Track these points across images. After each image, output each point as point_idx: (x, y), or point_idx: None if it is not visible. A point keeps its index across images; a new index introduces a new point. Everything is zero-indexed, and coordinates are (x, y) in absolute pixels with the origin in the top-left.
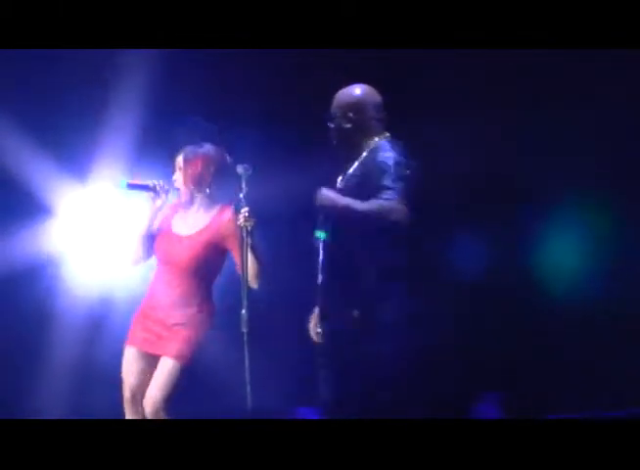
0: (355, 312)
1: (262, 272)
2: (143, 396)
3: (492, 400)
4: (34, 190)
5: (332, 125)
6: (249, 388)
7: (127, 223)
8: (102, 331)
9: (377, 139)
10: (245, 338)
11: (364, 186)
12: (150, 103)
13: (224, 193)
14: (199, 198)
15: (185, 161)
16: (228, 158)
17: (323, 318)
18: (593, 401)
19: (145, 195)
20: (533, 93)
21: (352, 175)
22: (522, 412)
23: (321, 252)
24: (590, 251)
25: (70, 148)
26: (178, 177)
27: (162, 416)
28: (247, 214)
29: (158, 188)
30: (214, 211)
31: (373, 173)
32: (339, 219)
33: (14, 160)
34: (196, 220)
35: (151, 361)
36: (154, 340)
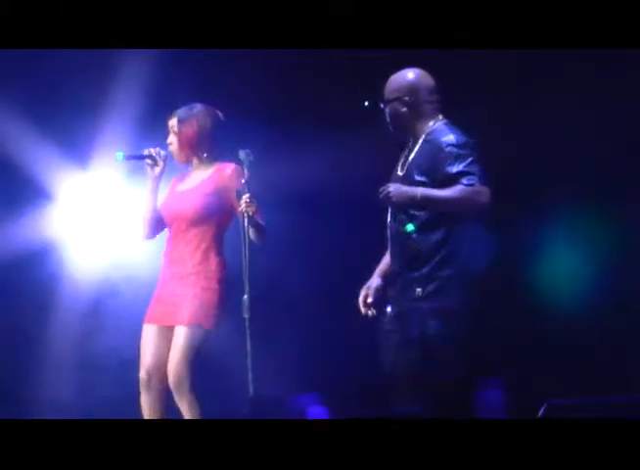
0: (418, 290)
1: (265, 233)
2: (159, 378)
3: (496, 386)
4: (35, 176)
5: (387, 110)
6: (250, 374)
7: (128, 208)
8: (104, 316)
9: (432, 123)
10: (246, 324)
11: (431, 173)
12: (150, 90)
13: (222, 154)
14: (196, 160)
15: (179, 122)
16: (221, 116)
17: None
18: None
19: (143, 166)
20: (533, 93)
21: (414, 162)
22: (524, 398)
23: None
24: (589, 250)
25: (71, 134)
26: (173, 140)
27: (184, 388)
28: (248, 200)
29: (154, 154)
30: (214, 167)
31: (438, 159)
32: (420, 210)
33: (14, 146)
34: (196, 176)
35: (169, 336)
36: (169, 311)
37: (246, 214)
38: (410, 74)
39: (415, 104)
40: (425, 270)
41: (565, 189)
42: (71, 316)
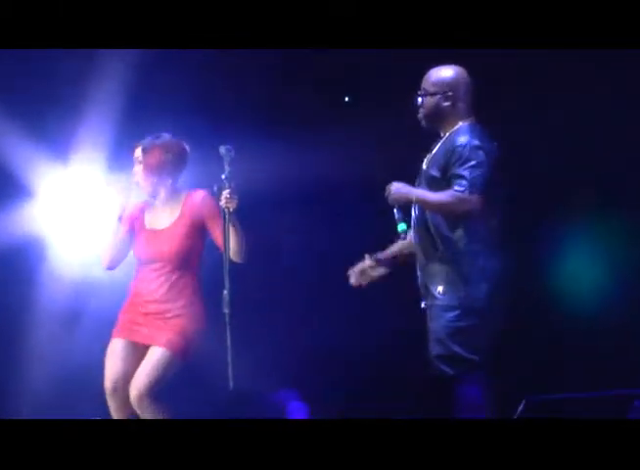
0: (440, 288)
1: (245, 246)
2: (125, 387)
3: (476, 382)
4: (15, 172)
5: (424, 102)
6: (230, 369)
7: (108, 205)
8: (84, 316)
9: (461, 122)
10: (226, 319)
11: (443, 169)
12: (131, 87)
13: (188, 183)
14: (162, 190)
15: (143, 152)
16: (187, 147)
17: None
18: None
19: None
20: (544, 93)
21: (434, 158)
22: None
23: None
24: (603, 254)
25: (51, 130)
26: (138, 170)
27: (146, 403)
28: (228, 196)
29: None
30: (182, 198)
31: (449, 157)
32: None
33: None
34: (167, 213)
35: (139, 352)
36: (144, 331)
37: (227, 210)
38: (452, 71)
39: (456, 100)
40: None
41: (581, 192)
42: (51, 314)
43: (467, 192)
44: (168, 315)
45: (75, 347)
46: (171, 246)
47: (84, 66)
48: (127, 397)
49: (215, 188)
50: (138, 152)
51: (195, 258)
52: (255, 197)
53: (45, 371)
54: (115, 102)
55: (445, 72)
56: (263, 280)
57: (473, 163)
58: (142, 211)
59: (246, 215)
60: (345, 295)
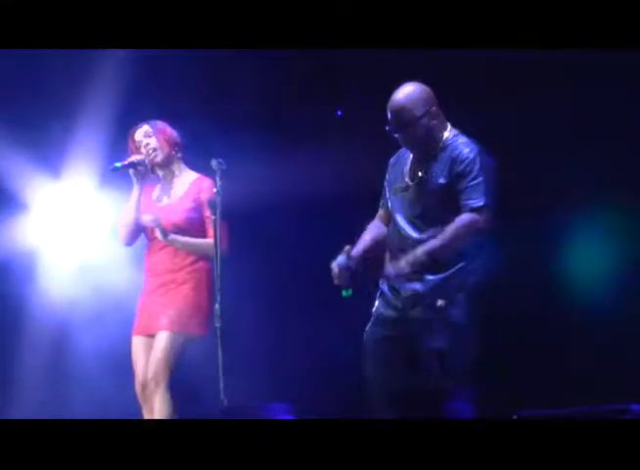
0: (440, 302)
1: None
2: (152, 387)
3: (465, 397)
4: (8, 185)
5: (415, 128)
6: (222, 383)
7: (101, 217)
8: (76, 326)
9: (446, 133)
10: (218, 333)
11: (449, 179)
12: (125, 101)
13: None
14: (175, 164)
15: (152, 127)
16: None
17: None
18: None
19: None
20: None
21: (435, 170)
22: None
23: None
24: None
25: (44, 141)
26: (151, 142)
27: (163, 390)
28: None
29: (139, 160)
30: (191, 177)
31: (458, 175)
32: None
33: None
34: (173, 190)
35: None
36: (153, 319)
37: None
38: (420, 86)
39: (440, 114)
40: (433, 280)
41: (579, 190)
42: (43, 324)
43: (483, 211)
44: (172, 286)
45: (66, 357)
46: (176, 218)
47: (76, 72)
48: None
49: (207, 202)
50: (141, 132)
51: (199, 232)
52: (248, 207)
53: (37, 381)
54: (108, 110)
55: (422, 90)
56: (255, 292)
57: (480, 178)
58: (151, 186)
59: (239, 225)
60: (340, 307)
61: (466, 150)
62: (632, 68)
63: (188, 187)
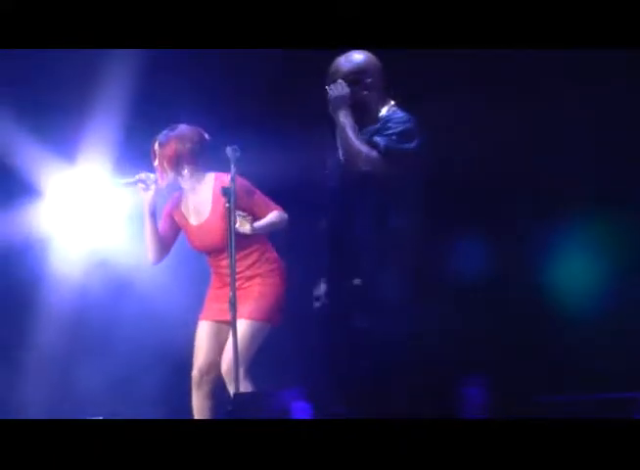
0: (357, 281)
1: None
2: (209, 378)
3: (477, 384)
4: (21, 172)
5: (343, 91)
6: (234, 371)
7: (114, 206)
8: (89, 315)
9: (387, 108)
10: (232, 321)
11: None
12: (137, 88)
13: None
14: (187, 179)
15: (160, 145)
16: (206, 135)
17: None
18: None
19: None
20: (540, 94)
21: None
22: (507, 397)
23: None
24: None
25: (57, 130)
26: (157, 164)
27: (241, 375)
28: (239, 220)
29: (144, 178)
30: (210, 183)
31: (385, 122)
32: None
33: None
34: (200, 202)
35: (224, 331)
36: (226, 308)
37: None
38: (363, 55)
39: (376, 86)
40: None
41: (572, 191)
42: (55, 314)
43: (381, 154)
44: (244, 277)
45: (79, 347)
46: (215, 239)
47: (90, 66)
48: (210, 388)
49: (221, 190)
50: (156, 146)
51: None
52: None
53: (50, 371)
54: (121, 102)
55: (359, 59)
56: None
57: (403, 134)
58: (176, 204)
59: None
60: None
61: (400, 114)
62: (632, 68)
63: (212, 197)
